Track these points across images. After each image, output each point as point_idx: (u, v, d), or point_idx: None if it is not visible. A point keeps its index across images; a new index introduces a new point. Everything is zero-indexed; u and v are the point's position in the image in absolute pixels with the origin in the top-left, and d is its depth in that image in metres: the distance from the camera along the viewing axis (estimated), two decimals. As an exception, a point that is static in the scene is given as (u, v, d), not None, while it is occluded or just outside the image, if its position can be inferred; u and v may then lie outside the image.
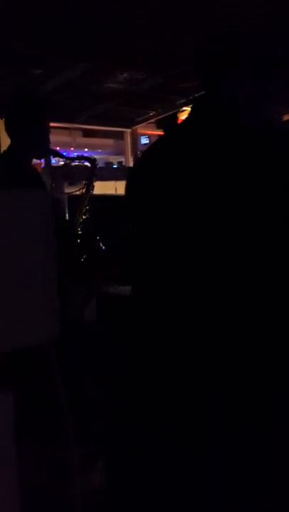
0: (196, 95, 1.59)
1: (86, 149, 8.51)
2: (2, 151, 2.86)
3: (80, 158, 3.58)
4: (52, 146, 4.75)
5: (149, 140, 8.30)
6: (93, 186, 3.15)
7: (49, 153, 3.20)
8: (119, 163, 7.98)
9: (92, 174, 3.19)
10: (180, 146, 1.41)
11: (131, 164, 6.69)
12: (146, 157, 1.55)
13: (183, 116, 6.31)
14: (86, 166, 3.38)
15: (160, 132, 6.37)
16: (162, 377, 1.38)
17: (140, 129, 6.70)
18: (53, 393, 1.86)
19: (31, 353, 1.63)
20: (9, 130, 2.73)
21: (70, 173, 5.12)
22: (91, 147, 8.57)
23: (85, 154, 4.41)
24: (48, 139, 2.84)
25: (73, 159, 3.79)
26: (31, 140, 2.66)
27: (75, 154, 7.71)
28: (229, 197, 1.28)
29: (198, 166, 1.33)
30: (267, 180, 1.27)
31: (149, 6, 3.16)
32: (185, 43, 3.78)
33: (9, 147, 2.74)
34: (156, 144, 1.58)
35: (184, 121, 1.54)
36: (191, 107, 1.56)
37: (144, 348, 1.48)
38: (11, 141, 2.72)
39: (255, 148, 1.30)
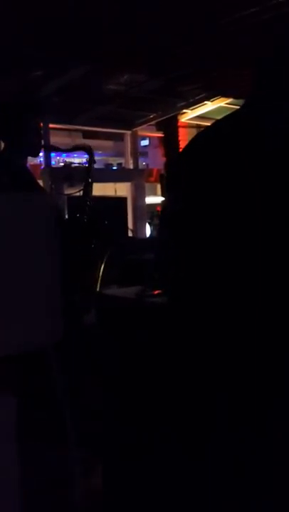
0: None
1: (78, 150, 8.47)
2: None
3: (75, 148, 3.58)
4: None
5: (149, 142, 8.31)
6: (91, 180, 3.15)
7: (41, 149, 3.18)
8: (119, 164, 7.98)
9: (89, 162, 3.20)
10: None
11: (130, 166, 6.70)
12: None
13: (183, 118, 6.32)
14: (86, 166, 3.38)
15: (160, 134, 6.38)
16: (163, 377, 1.38)
17: (140, 130, 6.71)
18: (55, 395, 1.86)
19: (33, 355, 1.63)
20: (1, 132, 2.73)
21: (69, 174, 5.12)
22: (91, 149, 8.55)
23: (85, 155, 4.41)
24: (41, 136, 2.84)
25: (69, 151, 3.79)
26: (24, 140, 2.67)
27: (75, 155, 7.71)
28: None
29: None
30: None
31: (150, 10, 3.17)
32: (186, 46, 3.79)
33: (3, 149, 2.75)
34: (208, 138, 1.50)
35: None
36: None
37: (144, 348, 1.48)
38: (4, 143, 2.73)
39: None
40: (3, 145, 2.83)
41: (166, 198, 1.50)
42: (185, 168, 1.40)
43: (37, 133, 2.72)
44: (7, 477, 1.34)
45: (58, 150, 3.37)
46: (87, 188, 3.17)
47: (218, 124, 1.46)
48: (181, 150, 1.53)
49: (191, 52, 3.87)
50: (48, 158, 5.71)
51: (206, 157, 1.35)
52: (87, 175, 3.21)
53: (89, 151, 3.23)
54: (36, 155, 2.91)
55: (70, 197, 4.30)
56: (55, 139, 5.88)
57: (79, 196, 3.27)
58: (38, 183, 2.94)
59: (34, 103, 2.84)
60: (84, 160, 4.93)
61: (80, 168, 5.03)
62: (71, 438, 1.77)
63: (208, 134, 1.44)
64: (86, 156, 3.33)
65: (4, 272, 1.42)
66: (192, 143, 1.43)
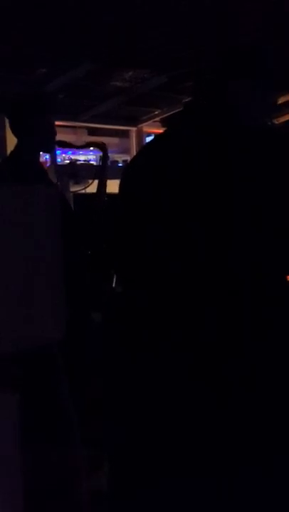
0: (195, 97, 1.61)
1: (92, 147, 8.45)
2: (11, 150, 2.87)
3: (89, 144, 3.56)
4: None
5: (155, 138, 8.27)
6: (106, 175, 3.10)
7: (55, 145, 3.17)
8: (125, 161, 7.96)
9: (104, 160, 3.16)
10: (175, 144, 1.41)
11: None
12: (142, 153, 1.56)
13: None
14: (92, 164, 3.37)
15: (165, 131, 6.36)
16: (163, 375, 1.38)
17: (146, 127, 6.68)
18: (59, 394, 1.85)
19: (37, 354, 1.63)
20: (14, 129, 2.73)
21: (75, 171, 5.11)
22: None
23: (91, 153, 4.38)
24: (54, 132, 2.84)
25: (83, 147, 3.77)
26: (37, 136, 2.67)
27: (81, 153, 7.70)
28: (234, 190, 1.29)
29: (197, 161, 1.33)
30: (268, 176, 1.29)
31: (155, 4, 3.16)
32: (191, 42, 3.78)
33: (16, 146, 2.75)
34: (152, 142, 1.60)
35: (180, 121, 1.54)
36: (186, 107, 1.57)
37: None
38: (18, 140, 2.73)
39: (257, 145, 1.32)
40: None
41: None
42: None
43: (49, 129, 2.73)
44: (10, 476, 1.34)
45: (71, 146, 3.34)
46: (102, 186, 3.12)
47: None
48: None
49: (196, 49, 3.85)
50: (53, 155, 5.70)
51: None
52: (102, 173, 3.15)
53: (102, 148, 3.19)
54: (49, 151, 2.91)
55: (76, 194, 4.29)
56: (60, 137, 5.85)
57: (90, 194, 3.25)
58: (50, 180, 2.94)
59: (46, 100, 2.84)
60: (90, 158, 4.90)
61: (85, 166, 5.03)
62: (76, 439, 1.76)
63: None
64: (92, 153, 3.32)
65: (5, 267, 1.41)
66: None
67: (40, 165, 2.80)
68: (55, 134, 2.88)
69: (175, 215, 1.35)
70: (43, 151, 2.81)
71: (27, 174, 2.58)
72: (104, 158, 3.18)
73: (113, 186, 3.51)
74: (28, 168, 2.62)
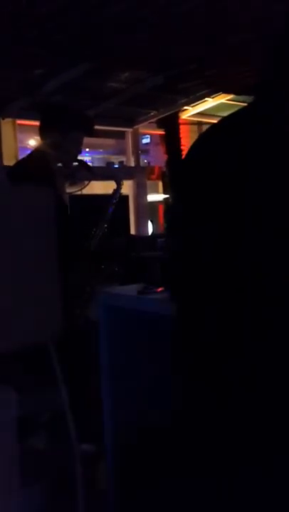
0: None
1: (87, 149, 8.48)
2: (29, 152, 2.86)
3: (106, 177, 3.56)
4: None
5: (151, 139, 8.29)
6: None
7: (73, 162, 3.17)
8: (120, 162, 7.98)
9: (115, 193, 3.18)
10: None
11: (132, 164, 6.68)
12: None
13: (184, 115, 6.31)
14: (88, 165, 3.37)
15: (161, 132, 6.37)
16: (163, 374, 1.38)
17: (141, 128, 6.69)
18: (55, 392, 1.86)
19: (34, 352, 1.63)
20: (43, 133, 2.73)
21: (71, 172, 5.10)
22: (92, 147, 8.55)
23: (86, 154, 4.38)
24: (79, 150, 2.85)
25: (100, 179, 3.74)
26: (62, 148, 2.68)
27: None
28: None
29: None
30: None
31: (151, 6, 3.17)
32: (187, 43, 3.78)
33: (38, 149, 2.75)
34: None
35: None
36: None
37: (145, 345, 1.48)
38: (42, 144, 2.73)
39: None
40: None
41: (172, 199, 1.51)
42: (191, 168, 1.41)
43: (76, 147, 2.73)
44: (8, 473, 1.34)
45: (88, 169, 3.29)
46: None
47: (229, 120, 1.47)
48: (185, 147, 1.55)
49: (192, 50, 3.86)
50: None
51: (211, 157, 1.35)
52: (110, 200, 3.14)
53: (119, 183, 3.20)
54: (68, 166, 2.90)
55: (72, 195, 4.29)
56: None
57: (86, 195, 3.25)
58: (56, 186, 2.92)
59: (87, 120, 2.84)
60: (86, 159, 4.90)
61: (81, 167, 5.03)
62: (73, 435, 1.77)
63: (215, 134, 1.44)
64: (88, 154, 3.32)
65: (4, 267, 1.41)
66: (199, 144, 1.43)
67: (51, 171, 2.78)
68: (80, 152, 2.87)
69: (179, 214, 1.35)
70: (61, 162, 2.80)
71: (35, 177, 2.57)
72: (117, 191, 3.19)
73: (111, 187, 3.51)
74: (38, 172, 2.62)
